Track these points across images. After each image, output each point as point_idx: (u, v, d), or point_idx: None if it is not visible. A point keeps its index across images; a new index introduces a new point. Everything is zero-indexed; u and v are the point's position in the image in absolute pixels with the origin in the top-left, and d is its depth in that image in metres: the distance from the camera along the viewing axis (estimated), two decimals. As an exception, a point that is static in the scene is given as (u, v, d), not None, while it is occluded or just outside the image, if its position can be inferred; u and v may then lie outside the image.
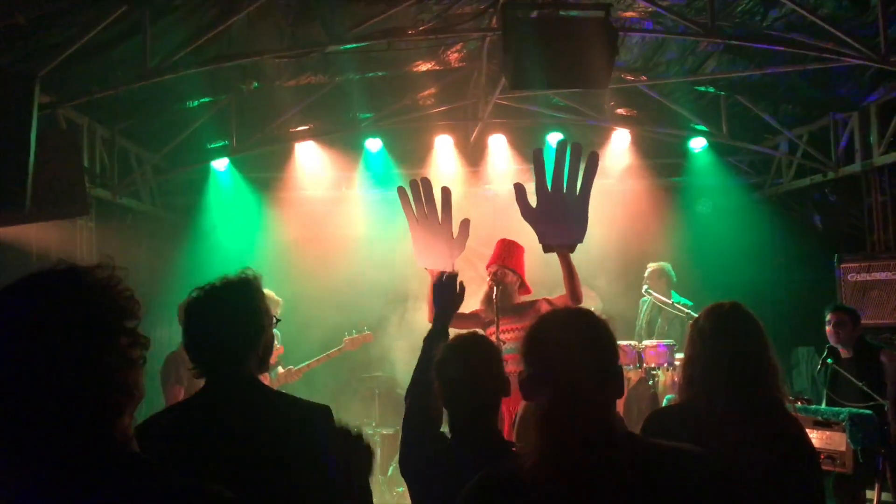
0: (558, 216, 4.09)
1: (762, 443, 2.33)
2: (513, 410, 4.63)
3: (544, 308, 4.75)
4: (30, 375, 1.15)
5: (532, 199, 4.18)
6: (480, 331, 4.23)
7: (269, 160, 8.44)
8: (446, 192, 4.40)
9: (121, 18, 4.73)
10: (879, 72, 6.20)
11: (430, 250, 4.45)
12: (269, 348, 2.26)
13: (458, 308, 3.17)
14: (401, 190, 4.52)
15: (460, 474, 2.06)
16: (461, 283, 3.16)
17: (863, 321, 5.51)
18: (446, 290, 3.14)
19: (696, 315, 2.65)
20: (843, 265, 7.07)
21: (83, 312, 1.21)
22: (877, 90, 6.71)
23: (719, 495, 1.45)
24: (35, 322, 1.18)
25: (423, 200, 4.38)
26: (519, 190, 4.11)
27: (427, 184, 4.41)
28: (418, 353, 2.79)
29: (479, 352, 2.47)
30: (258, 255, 8.29)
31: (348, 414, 6.97)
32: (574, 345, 1.53)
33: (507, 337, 4.69)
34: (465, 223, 4.42)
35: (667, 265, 7.37)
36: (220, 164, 8.06)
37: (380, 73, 7.09)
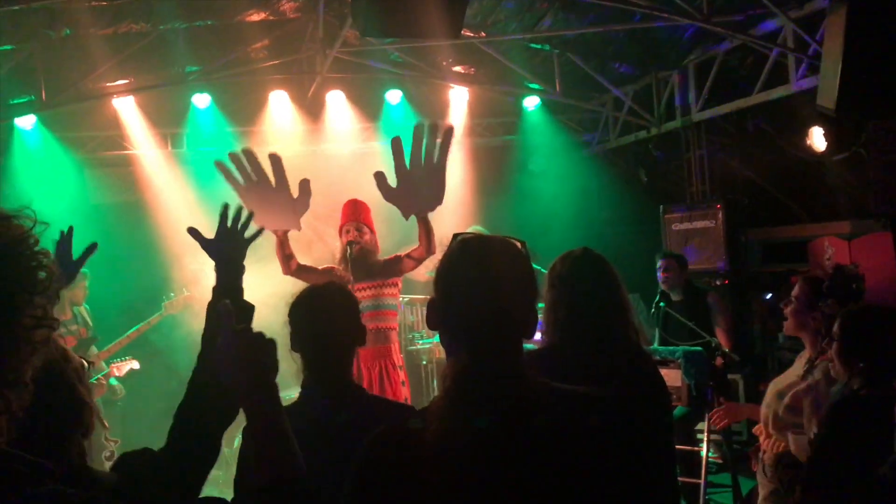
0: (418, 189, 4.30)
1: (628, 381, 2.41)
2: (370, 366, 4.57)
3: (405, 264, 4.71)
4: None
5: (391, 181, 4.34)
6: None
7: (85, 118, 7.69)
8: (276, 159, 4.37)
9: None
10: (698, 32, 6.62)
11: (270, 214, 4.35)
12: None
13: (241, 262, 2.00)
14: (218, 164, 4.40)
15: (318, 423, 2.08)
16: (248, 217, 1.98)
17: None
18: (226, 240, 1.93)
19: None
20: (666, 216, 7.57)
21: None
22: (695, 50, 7.16)
23: (624, 439, 1.43)
24: None
25: (248, 170, 4.28)
26: (379, 177, 4.29)
27: (249, 153, 4.33)
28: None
29: (340, 298, 2.39)
30: (73, 220, 7.55)
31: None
32: (495, 280, 1.42)
33: (364, 295, 4.58)
34: (305, 183, 4.44)
35: (477, 227, 7.61)
36: (27, 122, 7.23)
37: (208, 22, 6.61)
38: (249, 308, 1.81)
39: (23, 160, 7.45)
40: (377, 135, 8.52)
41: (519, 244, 1.52)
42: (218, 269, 1.86)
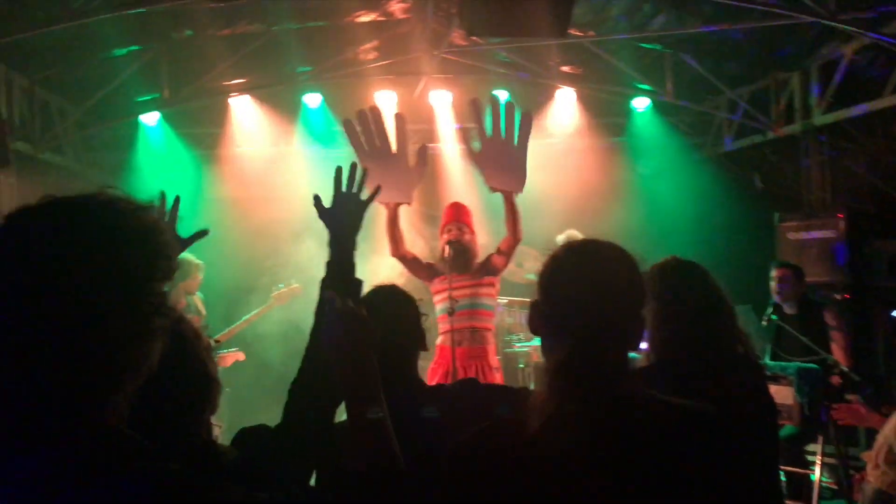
0: (500, 162, 4.27)
1: (732, 396, 2.29)
2: (465, 366, 4.54)
3: (495, 260, 4.68)
4: (24, 320, 0.92)
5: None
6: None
7: (203, 115, 8.05)
8: (400, 119, 4.29)
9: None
10: (822, 31, 6.24)
11: (385, 183, 4.28)
12: None
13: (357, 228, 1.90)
14: (346, 122, 4.34)
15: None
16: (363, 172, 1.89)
17: (804, 278, 5.59)
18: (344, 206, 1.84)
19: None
20: (782, 224, 7.18)
21: (113, 258, 0.97)
22: (819, 50, 6.76)
23: (724, 455, 1.36)
24: (49, 254, 0.94)
25: (373, 131, 4.22)
26: (461, 133, 4.25)
27: (377, 112, 4.26)
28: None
29: (400, 301, 2.38)
30: (190, 212, 7.93)
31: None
32: (602, 285, 1.37)
33: (460, 294, 4.57)
34: (423, 150, 4.37)
35: (573, 232, 7.44)
36: (151, 119, 7.63)
37: (319, 23, 6.78)
38: (358, 283, 1.76)
39: (146, 155, 7.88)
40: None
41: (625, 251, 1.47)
42: (331, 241, 1.78)
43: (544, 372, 1.37)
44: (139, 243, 1.01)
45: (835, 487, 5.34)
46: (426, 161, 4.35)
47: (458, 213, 4.80)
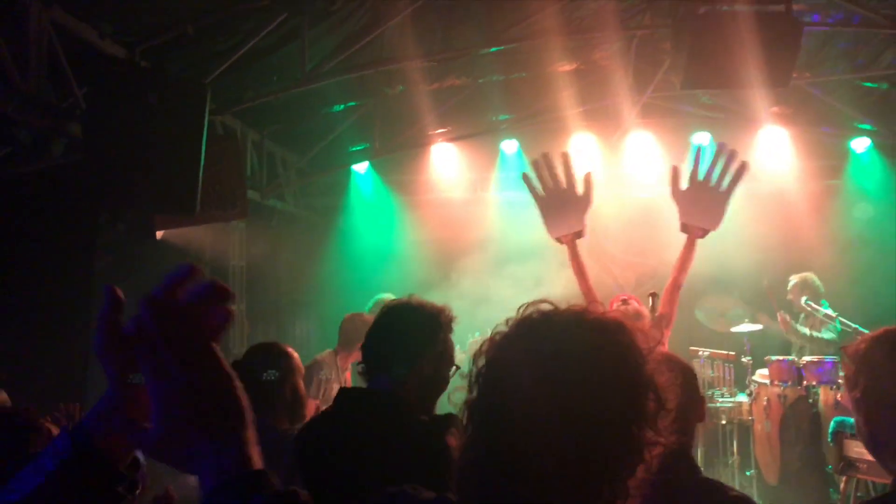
0: (702, 202, 4.33)
1: None
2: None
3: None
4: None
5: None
6: None
7: (406, 162, 8.49)
8: (565, 157, 4.37)
9: (279, 26, 4.84)
10: None
11: (558, 217, 4.40)
12: None
13: None
14: (525, 176, 4.51)
15: None
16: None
17: None
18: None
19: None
20: None
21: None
22: None
23: None
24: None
25: (547, 174, 4.34)
26: (674, 170, 4.33)
27: (547, 158, 4.39)
28: None
29: None
30: (395, 255, 8.38)
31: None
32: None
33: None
34: (588, 177, 4.40)
35: (810, 275, 6.95)
36: (361, 167, 8.18)
37: (522, 74, 6.96)
38: None
39: (357, 199, 8.44)
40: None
41: None
42: None
43: None
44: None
45: None
46: (591, 184, 4.37)
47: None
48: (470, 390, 1.19)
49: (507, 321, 1.21)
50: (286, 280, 8.60)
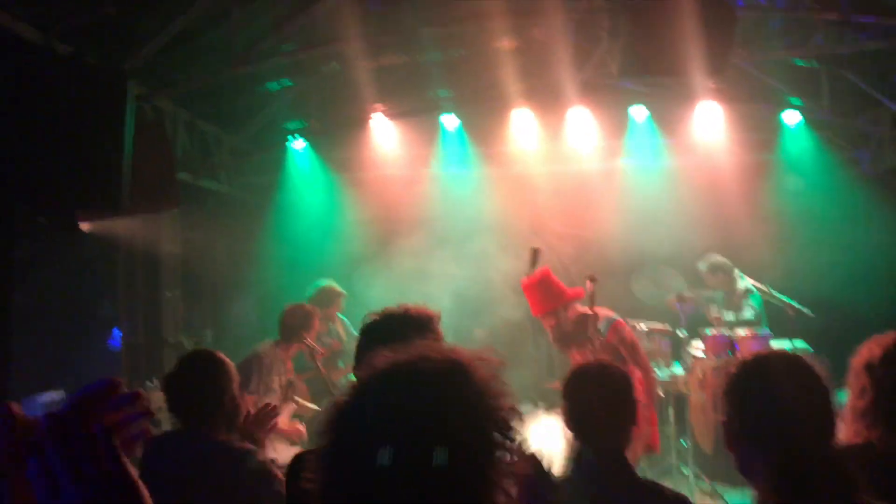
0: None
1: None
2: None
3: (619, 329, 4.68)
4: None
5: None
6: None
7: (346, 140, 8.32)
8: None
9: (208, 5, 4.63)
10: None
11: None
12: None
13: None
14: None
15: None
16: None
17: None
18: None
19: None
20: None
21: None
22: None
23: None
24: None
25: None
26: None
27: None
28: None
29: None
30: (333, 235, 8.27)
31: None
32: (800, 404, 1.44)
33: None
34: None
35: (714, 256, 7.25)
36: (298, 145, 8.00)
37: (461, 51, 6.86)
38: None
39: (294, 178, 8.26)
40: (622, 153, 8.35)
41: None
42: None
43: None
44: None
45: None
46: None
47: (537, 302, 4.89)
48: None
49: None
50: (223, 262, 8.40)
